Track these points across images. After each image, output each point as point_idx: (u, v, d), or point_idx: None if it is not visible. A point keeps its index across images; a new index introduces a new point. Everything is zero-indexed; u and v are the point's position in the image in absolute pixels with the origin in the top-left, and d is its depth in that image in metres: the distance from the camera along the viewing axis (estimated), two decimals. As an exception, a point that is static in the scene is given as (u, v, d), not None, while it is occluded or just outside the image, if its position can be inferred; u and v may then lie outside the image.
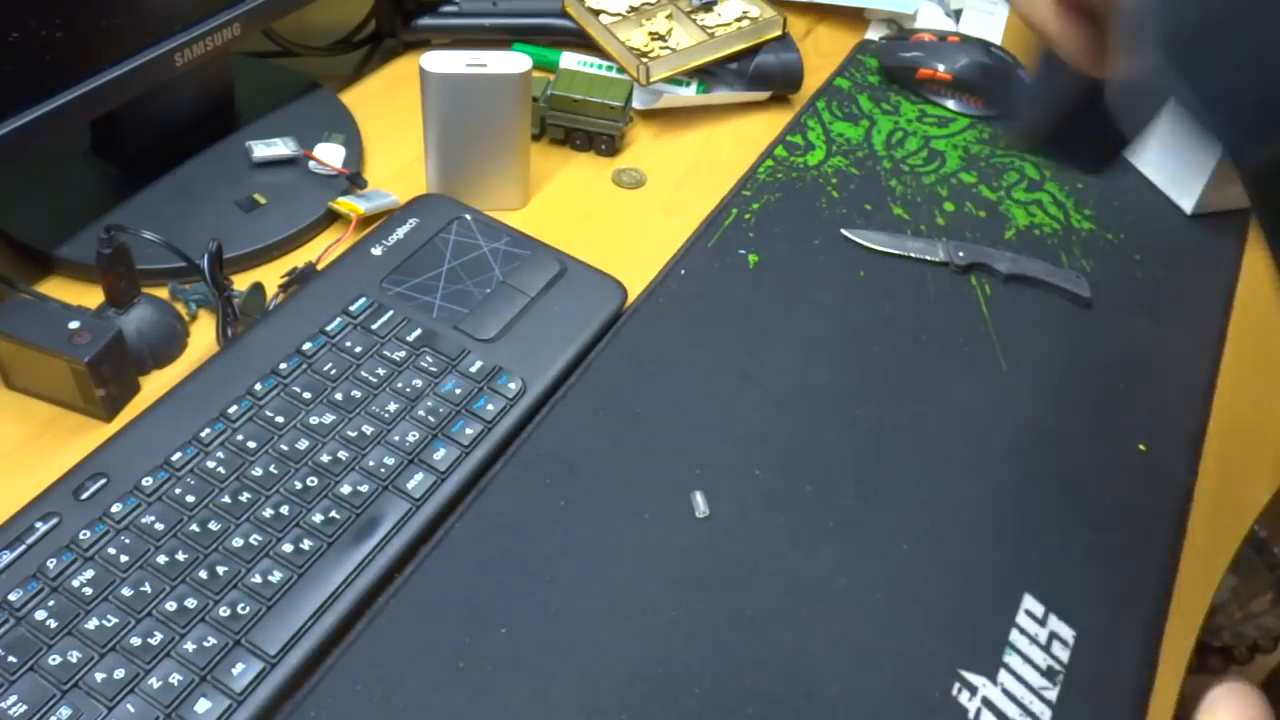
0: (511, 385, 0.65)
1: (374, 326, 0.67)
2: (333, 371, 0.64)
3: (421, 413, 0.62)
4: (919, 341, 0.73)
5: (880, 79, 0.98)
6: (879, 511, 0.62)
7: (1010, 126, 0.29)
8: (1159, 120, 0.26)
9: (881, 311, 0.75)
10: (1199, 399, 0.72)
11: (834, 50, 1.02)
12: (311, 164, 0.79)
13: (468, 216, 0.75)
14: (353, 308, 0.67)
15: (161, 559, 0.54)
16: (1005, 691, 0.55)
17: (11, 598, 0.51)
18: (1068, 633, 0.58)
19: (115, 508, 0.55)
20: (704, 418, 0.66)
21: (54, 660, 0.50)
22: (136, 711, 0.49)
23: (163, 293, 0.69)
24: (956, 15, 1.06)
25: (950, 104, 0.95)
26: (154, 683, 0.50)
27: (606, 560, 0.58)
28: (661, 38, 0.92)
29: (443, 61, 0.72)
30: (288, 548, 0.55)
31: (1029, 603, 0.59)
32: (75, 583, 0.52)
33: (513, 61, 0.73)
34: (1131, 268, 0.81)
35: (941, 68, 0.94)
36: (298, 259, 0.74)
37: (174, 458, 0.58)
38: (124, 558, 0.54)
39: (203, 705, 0.49)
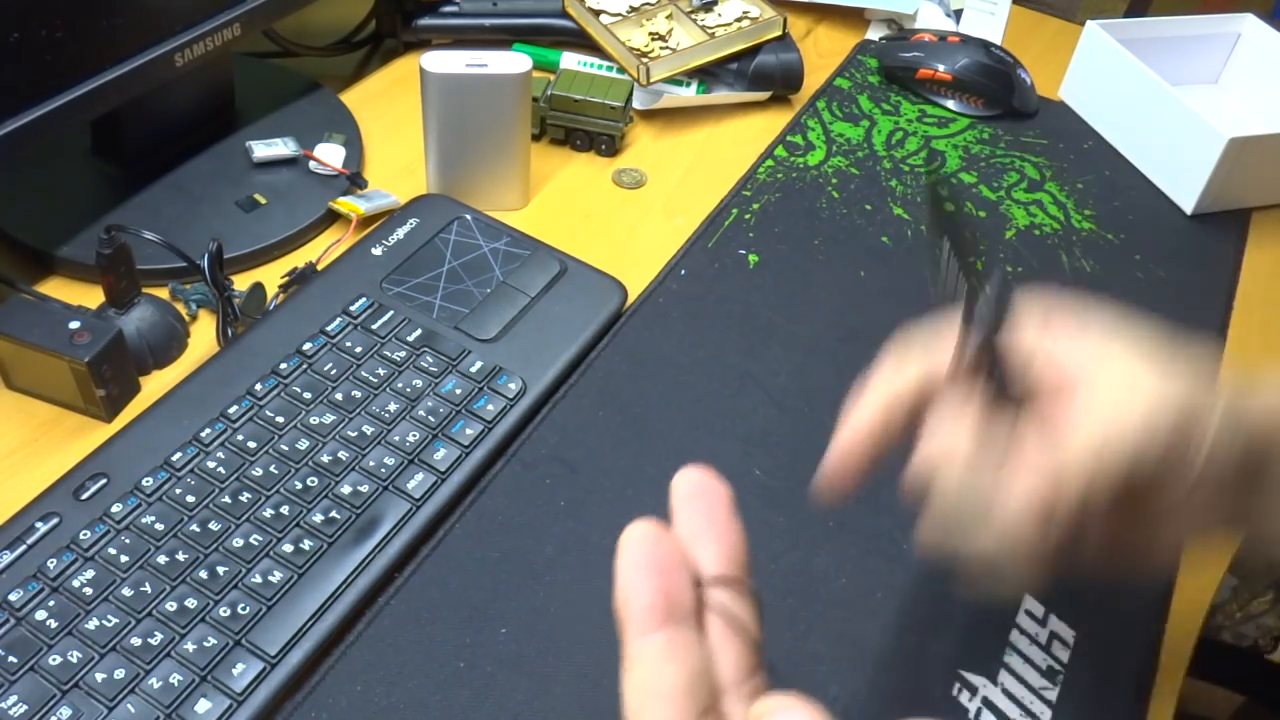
0: (511, 385, 0.65)
1: (374, 326, 0.67)
2: (333, 372, 0.64)
3: (422, 413, 0.62)
4: (919, 341, 0.73)
5: (880, 79, 0.98)
6: (879, 511, 0.62)
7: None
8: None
9: (881, 311, 0.75)
10: (1199, 399, 0.72)
11: (834, 50, 1.02)
12: (312, 164, 0.79)
13: (468, 216, 0.75)
14: (353, 308, 0.67)
15: (162, 559, 0.54)
16: (1005, 691, 0.55)
17: (12, 598, 0.51)
18: (1068, 633, 0.58)
19: (115, 508, 0.55)
20: (704, 418, 0.66)
21: (54, 660, 0.50)
22: (137, 712, 0.49)
23: (163, 293, 0.69)
24: (956, 15, 1.06)
25: (950, 104, 0.95)
26: (154, 683, 0.50)
27: (606, 560, 0.58)
28: (662, 38, 0.92)
29: (443, 61, 0.73)
30: (288, 548, 0.55)
31: (1029, 603, 0.59)
32: (75, 583, 0.52)
33: (513, 61, 0.73)
34: (1131, 268, 0.81)
35: (941, 68, 0.94)
36: (298, 259, 0.74)
37: (174, 458, 0.58)
38: (124, 558, 0.54)
39: (203, 705, 0.49)
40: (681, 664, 0.29)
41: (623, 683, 0.30)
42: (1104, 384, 0.38)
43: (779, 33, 0.92)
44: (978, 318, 0.38)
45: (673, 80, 0.91)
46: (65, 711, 0.48)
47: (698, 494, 0.33)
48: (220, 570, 0.54)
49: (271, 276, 0.72)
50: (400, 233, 0.73)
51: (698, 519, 0.33)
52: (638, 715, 0.29)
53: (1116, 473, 0.37)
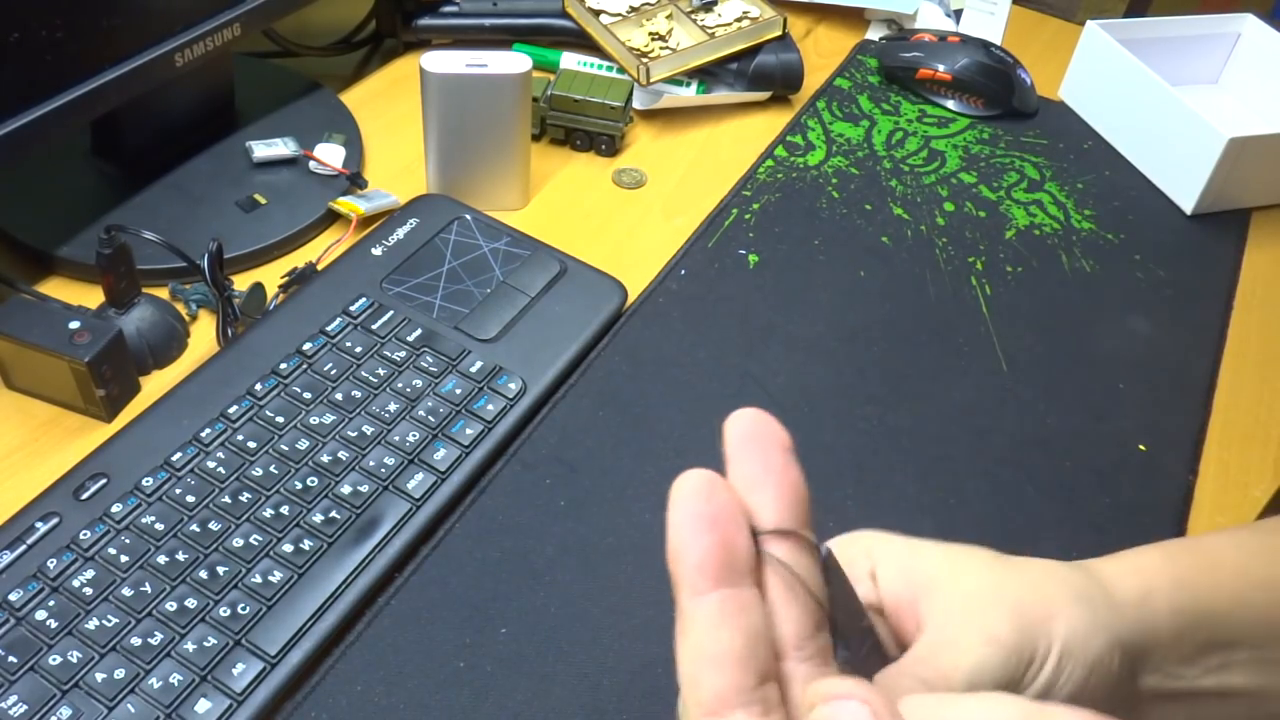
0: (511, 385, 0.65)
1: (374, 326, 0.67)
2: (333, 371, 0.64)
3: (422, 413, 0.62)
4: (919, 341, 0.73)
5: (880, 79, 0.98)
6: (879, 511, 0.62)
7: None
8: None
9: (881, 311, 0.75)
10: (1199, 399, 0.72)
11: (834, 50, 1.02)
12: (312, 164, 0.79)
13: (468, 216, 0.75)
14: (353, 308, 0.67)
15: (162, 559, 0.54)
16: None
17: (12, 598, 0.51)
18: None
19: (115, 508, 0.55)
20: (704, 418, 0.66)
21: (54, 660, 0.50)
22: (137, 712, 0.49)
23: (163, 293, 0.69)
24: (956, 15, 1.06)
25: (950, 104, 0.95)
26: (154, 683, 0.50)
27: (606, 560, 0.58)
28: (662, 38, 0.92)
29: (443, 61, 0.72)
30: (288, 548, 0.55)
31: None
32: (75, 583, 0.52)
33: (513, 61, 0.73)
34: (1131, 268, 0.81)
35: (941, 68, 0.94)
36: (298, 259, 0.74)
37: (174, 458, 0.58)
38: (124, 558, 0.54)
39: (203, 705, 0.49)
40: (739, 627, 0.27)
41: (676, 647, 0.27)
42: (960, 631, 0.34)
43: (779, 33, 0.92)
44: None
45: (673, 80, 0.91)
46: (65, 711, 0.48)
47: (754, 437, 0.30)
48: (220, 570, 0.54)
49: (271, 276, 0.72)
50: (400, 233, 0.73)
51: (754, 465, 0.30)
52: (693, 684, 0.27)
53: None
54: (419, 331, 0.67)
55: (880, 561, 0.36)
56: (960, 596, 0.35)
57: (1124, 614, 0.36)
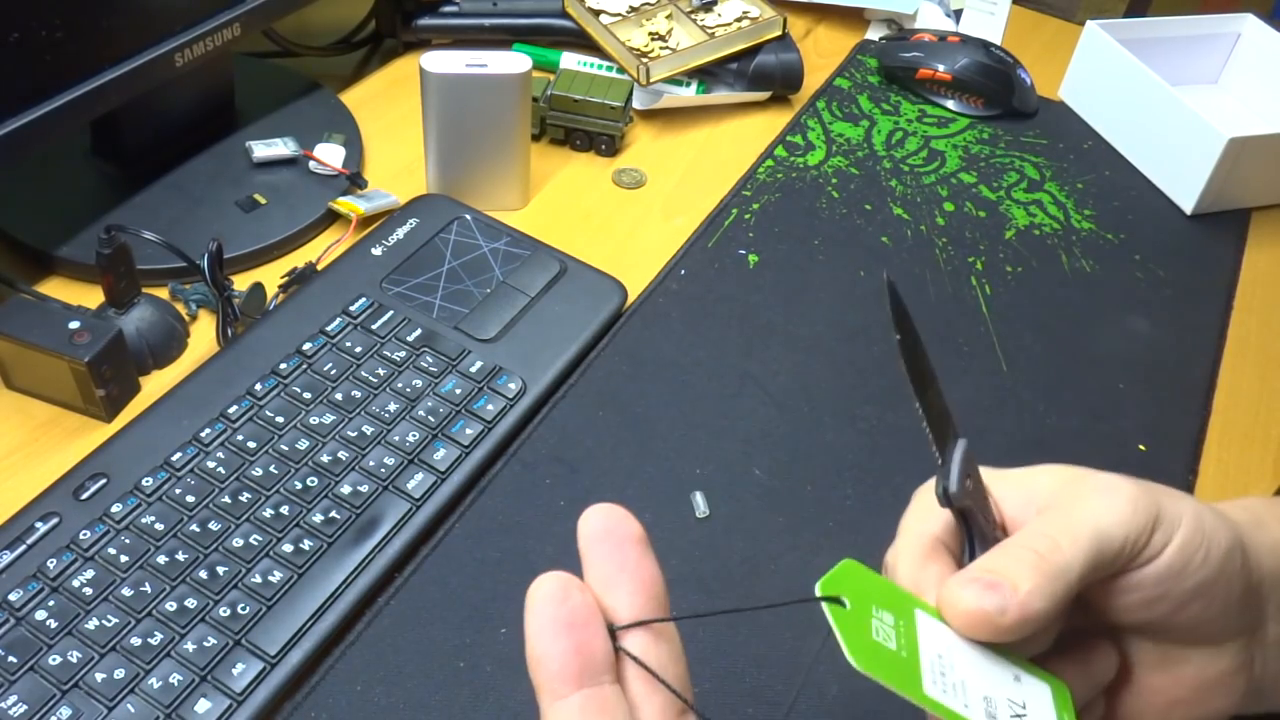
0: (511, 385, 0.65)
1: (374, 326, 0.67)
2: (333, 371, 0.64)
3: (421, 413, 0.62)
4: (919, 341, 0.73)
5: (880, 79, 0.98)
6: (879, 511, 0.62)
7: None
8: None
9: (881, 311, 0.75)
10: (1199, 399, 0.72)
11: (834, 50, 1.02)
12: (311, 164, 0.79)
13: (468, 216, 0.75)
14: (353, 308, 0.67)
15: (161, 559, 0.54)
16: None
17: (12, 598, 0.51)
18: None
19: (115, 508, 0.55)
20: (704, 418, 0.66)
21: (54, 660, 0.50)
22: (137, 711, 0.49)
23: (163, 293, 0.69)
24: (956, 15, 1.06)
25: (950, 104, 0.95)
26: (154, 683, 0.50)
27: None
28: (661, 38, 0.92)
29: (443, 61, 0.73)
30: (288, 548, 0.55)
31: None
32: (75, 583, 0.52)
33: (513, 61, 0.73)
34: (1131, 268, 0.81)
35: (941, 68, 0.94)
36: (298, 259, 0.74)
37: (174, 458, 0.58)
38: (124, 558, 0.54)
39: (203, 705, 0.49)
40: None
41: None
42: (1085, 491, 0.36)
43: (779, 33, 0.92)
44: (940, 490, 0.37)
45: (673, 80, 0.91)
46: (65, 711, 0.48)
47: (604, 535, 0.31)
48: (220, 570, 0.54)
49: (271, 276, 0.72)
50: (400, 233, 0.73)
51: (607, 563, 0.31)
52: None
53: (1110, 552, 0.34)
54: (419, 331, 0.67)
55: (998, 486, 0.38)
56: (1075, 473, 0.36)
57: (1245, 531, 0.36)
